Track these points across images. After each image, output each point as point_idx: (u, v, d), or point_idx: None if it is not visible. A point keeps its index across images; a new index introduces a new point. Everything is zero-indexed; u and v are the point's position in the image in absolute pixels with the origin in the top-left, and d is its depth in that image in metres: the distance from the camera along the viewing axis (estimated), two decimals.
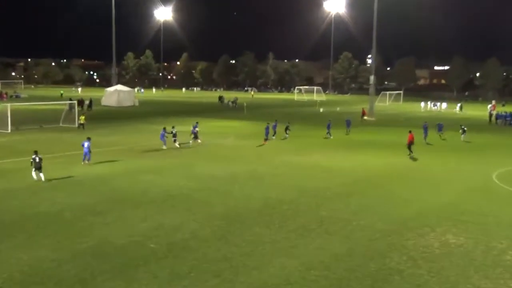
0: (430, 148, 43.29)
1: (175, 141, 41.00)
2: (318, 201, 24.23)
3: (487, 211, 23.09)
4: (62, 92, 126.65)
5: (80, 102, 78.16)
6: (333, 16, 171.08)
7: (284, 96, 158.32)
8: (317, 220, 21.11)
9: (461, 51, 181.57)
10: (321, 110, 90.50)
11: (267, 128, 45.52)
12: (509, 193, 27.10)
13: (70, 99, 79.75)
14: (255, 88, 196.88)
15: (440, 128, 51.15)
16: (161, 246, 17.74)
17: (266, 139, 44.82)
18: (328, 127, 50.21)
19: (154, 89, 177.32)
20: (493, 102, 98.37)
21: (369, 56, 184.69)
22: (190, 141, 43.30)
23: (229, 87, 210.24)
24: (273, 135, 47.21)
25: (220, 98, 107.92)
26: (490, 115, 73.95)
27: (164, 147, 39.83)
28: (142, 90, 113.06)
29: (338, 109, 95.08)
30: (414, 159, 37.64)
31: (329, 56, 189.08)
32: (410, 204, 24.12)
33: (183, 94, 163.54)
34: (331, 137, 49.00)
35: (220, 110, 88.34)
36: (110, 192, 25.43)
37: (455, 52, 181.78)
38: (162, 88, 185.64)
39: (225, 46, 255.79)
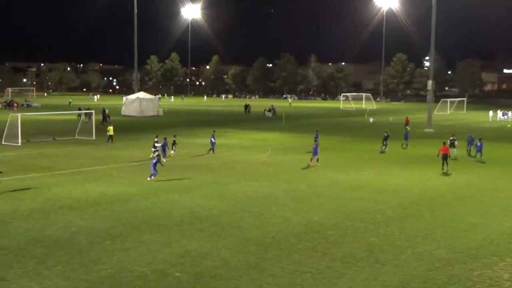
0: (498, 165, 42.53)
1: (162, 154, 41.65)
2: (367, 226, 24.04)
3: None
4: (70, 100, 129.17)
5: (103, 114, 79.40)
6: (385, 12, 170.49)
7: (328, 104, 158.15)
8: (366, 247, 20.94)
9: None
10: (371, 120, 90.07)
11: (315, 148, 41.80)
12: None
13: (79, 109, 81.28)
14: (295, 95, 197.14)
15: (470, 142, 48.47)
16: (187, 275, 17.82)
17: (312, 159, 41.35)
18: (386, 139, 50.20)
19: (172, 98, 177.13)
20: None
21: (427, 58, 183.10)
22: (172, 151, 44.07)
23: (265, 94, 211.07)
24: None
25: (246, 107, 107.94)
26: None
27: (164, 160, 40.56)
28: (159, 98, 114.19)
29: (390, 119, 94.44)
30: (447, 175, 37.60)
31: (380, 59, 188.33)
32: (476, 230, 23.72)
33: (204, 102, 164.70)
34: (386, 150, 49.00)
35: (253, 120, 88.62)
36: (129, 214, 25.71)
37: None
38: (182, 96, 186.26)
39: (261, 47, 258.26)
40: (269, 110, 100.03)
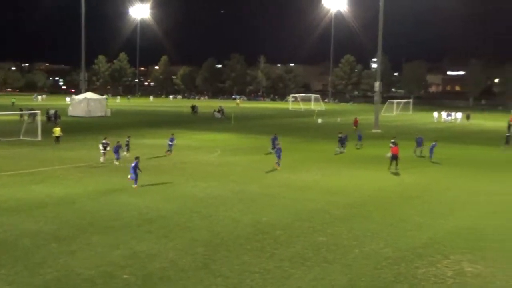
0: (446, 166, 43.42)
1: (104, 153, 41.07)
2: (315, 226, 24.24)
3: (506, 236, 23.19)
4: (13, 100, 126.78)
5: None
6: (333, 14, 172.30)
7: (277, 105, 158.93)
8: (314, 247, 21.11)
9: (478, 53, 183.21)
10: (320, 121, 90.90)
11: (278, 150, 40.89)
12: None
13: (21, 109, 79.91)
14: (244, 96, 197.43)
15: (420, 143, 49.17)
16: (135, 277, 17.66)
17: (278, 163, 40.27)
18: (343, 140, 50.74)
19: (118, 98, 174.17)
20: None
21: (374, 59, 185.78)
22: (125, 153, 43.36)
23: (215, 94, 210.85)
24: (272, 149, 46.99)
25: (193, 107, 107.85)
26: (509, 126, 74.46)
27: (116, 163, 40.00)
28: (105, 98, 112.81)
29: (339, 120, 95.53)
30: (397, 175, 38.38)
31: (328, 60, 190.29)
32: (422, 229, 24.18)
33: (150, 102, 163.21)
34: (344, 151, 49.82)
35: (202, 121, 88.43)
36: (76, 216, 25.31)
37: (472, 55, 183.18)
38: (129, 97, 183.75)
39: (210, 48, 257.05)
40: (218, 111, 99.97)
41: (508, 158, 48.70)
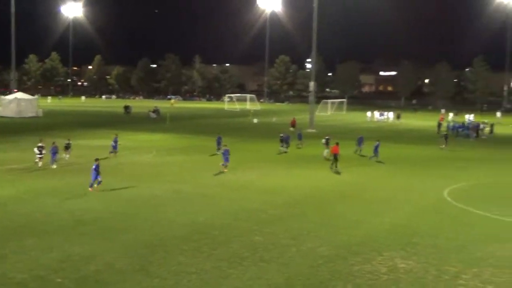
0: (380, 164, 44.25)
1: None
2: (252, 225, 24.33)
3: (438, 232, 23.84)
4: None
5: None
6: (268, 14, 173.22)
7: (213, 105, 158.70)
8: (252, 246, 21.19)
9: (409, 55, 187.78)
10: (255, 121, 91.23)
11: (225, 152, 39.29)
12: (462, 211, 28.13)
13: None
14: (180, 96, 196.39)
15: (360, 142, 50.03)
16: (69, 281, 17.33)
17: (225, 165, 38.96)
18: (286, 140, 50.86)
19: (49, 98, 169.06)
20: (442, 111, 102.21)
21: (309, 60, 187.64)
22: (64, 155, 42.20)
23: (150, 94, 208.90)
24: (218, 150, 46.67)
25: (126, 108, 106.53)
26: (439, 125, 76.62)
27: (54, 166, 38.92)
28: (36, 98, 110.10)
29: (274, 119, 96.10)
30: (338, 173, 39.00)
31: (263, 60, 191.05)
32: (357, 227, 24.59)
33: (82, 102, 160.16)
34: (287, 150, 49.98)
35: (137, 121, 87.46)
36: (8, 219, 24.65)
37: (403, 56, 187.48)
38: (60, 97, 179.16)
39: (145, 48, 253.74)
40: (154, 111, 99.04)
41: (442, 156, 50.07)
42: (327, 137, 47.04)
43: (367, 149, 48.06)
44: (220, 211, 26.86)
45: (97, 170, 30.74)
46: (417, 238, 22.81)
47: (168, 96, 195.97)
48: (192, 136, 64.25)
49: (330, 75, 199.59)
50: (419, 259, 20.06)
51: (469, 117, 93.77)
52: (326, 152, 45.60)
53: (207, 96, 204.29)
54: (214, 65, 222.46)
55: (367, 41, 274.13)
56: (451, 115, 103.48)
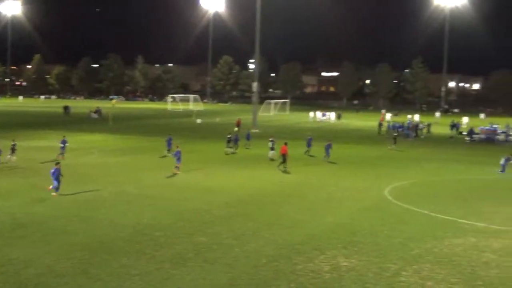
0: (328, 164, 44.66)
1: None
2: (196, 226, 24.24)
3: (379, 230, 24.26)
4: None
5: None
6: (211, 15, 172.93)
7: (156, 105, 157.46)
8: (195, 247, 21.11)
9: (351, 56, 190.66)
10: (199, 121, 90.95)
11: (177, 153, 38.90)
12: (401, 209, 28.71)
13: None
14: (122, 96, 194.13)
15: (309, 143, 50.23)
16: (9, 285, 16.92)
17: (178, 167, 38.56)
18: (235, 140, 50.74)
19: None
20: (383, 111, 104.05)
21: (252, 60, 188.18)
22: (9, 157, 40.96)
23: (92, 95, 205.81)
24: (168, 151, 46.07)
25: (66, 108, 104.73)
26: (380, 125, 77.97)
27: None
28: None
29: (218, 120, 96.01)
30: (287, 173, 39.36)
31: (207, 61, 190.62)
32: (300, 226, 24.77)
33: (20, 102, 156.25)
34: (235, 151, 49.89)
35: (78, 122, 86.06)
36: None
37: (345, 57, 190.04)
38: None
39: (86, 47, 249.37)
40: (95, 112, 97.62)
41: (385, 155, 50.95)
42: (271, 139, 47.07)
43: (317, 149, 48.50)
44: (163, 212, 26.66)
45: (55, 174, 29.71)
46: (358, 236, 23.15)
47: (110, 97, 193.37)
48: (135, 136, 63.62)
49: (273, 76, 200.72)
50: (361, 257, 20.36)
51: (415, 118, 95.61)
52: (271, 153, 45.79)
53: (150, 96, 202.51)
54: (157, 65, 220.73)
55: (309, 42, 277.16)
56: (388, 115, 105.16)
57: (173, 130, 70.16)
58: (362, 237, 23.00)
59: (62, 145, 43.75)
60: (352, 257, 20.34)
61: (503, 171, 41.45)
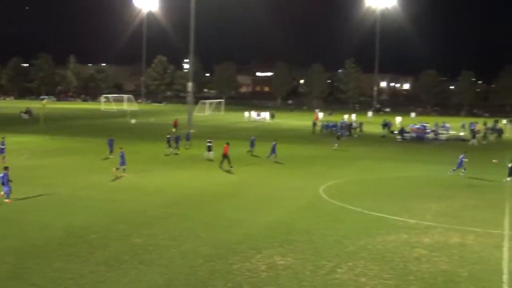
0: (260, 163, 44.84)
1: None
2: (131, 227, 23.96)
3: (314, 228, 24.54)
4: None
5: None
6: (145, 14, 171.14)
7: (89, 105, 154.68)
8: (130, 249, 20.86)
9: (285, 56, 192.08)
10: (133, 121, 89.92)
11: (121, 155, 37.40)
12: (335, 207, 29.16)
13: None
14: (54, 96, 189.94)
15: (252, 143, 50.29)
16: None
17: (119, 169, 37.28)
18: (176, 141, 49.98)
19: None
20: (316, 111, 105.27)
21: (186, 60, 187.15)
22: None
23: (22, 95, 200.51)
24: (110, 153, 45.10)
25: None
26: (314, 125, 78.86)
27: None
28: None
29: (152, 120, 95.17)
30: (230, 173, 39.51)
31: (141, 60, 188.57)
32: (236, 226, 24.81)
33: None
34: (177, 152, 48.97)
35: (6, 123, 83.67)
36: None
37: (279, 57, 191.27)
38: None
39: (16, 46, 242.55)
40: (26, 112, 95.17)
41: (321, 155, 51.53)
42: (209, 140, 46.68)
43: (260, 149, 48.66)
44: (97, 214, 26.24)
45: (4, 179, 28.39)
46: (294, 235, 23.35)
47: (42, 97, 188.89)
48: (67, 137, 62.30)
49: (208, 76, 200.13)
50: (297, 255, 20.54)
51: (352, 117, 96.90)
52: (209, 154, 45.59)
53: (83, 96, 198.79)
54: (90, 64, 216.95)
55: (244, 42, 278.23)
56: (321, 114, 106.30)
57: (108, 131, 69.06)
58: (298, 236, 23.21)
59: (1, 146, 42.23)
60: (288, 255, 20.50)
61: (456, 169, 40.72)
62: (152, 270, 18.62)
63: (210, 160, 44.81)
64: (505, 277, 18.97)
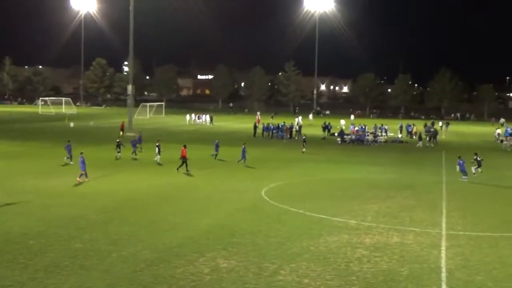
0: (202, 167, 44.53)
1: None
2: (71, 232, 23.50)
3: (257, 230, 24.59)
4: None
5: None
6: (83, 15, 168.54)
7: (26, 108, 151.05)
8: (70, 254, 20.46)
9: (225, 59, 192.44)
10: (72, 124, 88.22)
11: (81, 160, 36.35)
12: (277, 209, 29.27)
13: None
14: None
15: (216, 147, 49.81)
16: None
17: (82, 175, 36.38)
18: (134, 144, 48.85)
19: None
20: (258, 114, 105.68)
21: (126, 63, 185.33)
22: None
23: None
24: (68, 158, 43.74)
25: None
26: (255, 127, 78.93)
27: None
28: None
29: (92, 123, 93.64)
30: (190, 175, 39.48)
31: (79, 63, 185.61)
32: (178, 229, 24.64)
33: None
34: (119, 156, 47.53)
35: None
36: None
37: (219, 60, 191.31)
38: None
39: None
40: None
41: (260, 156, 51.55)
42: (158, 144, 45.83)
43: (202, 152, 48.44)
44: (35, 219, 25.63)
45: None
46: (237, 237, 23.34)
47: None
48: (4, 141, 60.58)
49: (148, 78, 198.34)
50: (240, 258, 20.53)
51: (299, 120, 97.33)
52: (157, 157, 45.04)
53: (19, 99, 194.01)
54: (26, 67, 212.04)
55: (184, 44, 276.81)
56: (258, 113, 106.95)
57: (45, 135, 67.83)
58: (241, 238, 23.21)
59: None
60: (232, 258, 20.47)
61: (465, 174, 40.45)
62: (93, 276, 18.30)
63: (159, 164, 44.30)
64: (443, 275, 19.42)
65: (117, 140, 49.18)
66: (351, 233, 24.69)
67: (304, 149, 56.42)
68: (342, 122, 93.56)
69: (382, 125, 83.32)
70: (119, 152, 47.68)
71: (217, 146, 49.59)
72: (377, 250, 22.07)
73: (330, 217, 27.56)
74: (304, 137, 60.48)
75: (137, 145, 50.19)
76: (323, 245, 22.62)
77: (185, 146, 41.92)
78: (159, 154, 45.24)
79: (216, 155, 49.17)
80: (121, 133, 67.08)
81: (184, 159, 40.95)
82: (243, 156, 46.21)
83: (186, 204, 30.07)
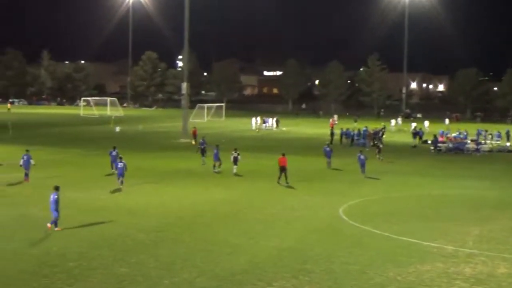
0: (259, 179, 44.68)
1: None
2: (116, 254, 23.91)
3: (334, 256, 24.43)
4: None
5: None
6: (131, 2, 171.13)
7: (66, 110, 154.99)
8: (116, 279, 20.82)
9: (296, 52, 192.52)
10: (118, 129, 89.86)
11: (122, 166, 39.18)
12: (358, 230, 29.04)
13: None
14: (24, 99, 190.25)
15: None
16: None
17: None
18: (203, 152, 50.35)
19: None
20: (335, 117, 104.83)
21: (180, 57, 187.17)
22: None
23: None
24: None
25: None
26: (332, 134, 78.13)
27: None
28: None
29: (140, 127, 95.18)
30: (291, 187, 39.87)
31: (126, 57, 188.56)
32: (240, 252, 24.74)
33: None
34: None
35: None
36: None
37: (289, 54, 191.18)
38: None
39: None
40: None
41: (337, 168, 51.31)
42: (234, 153, 45.93)
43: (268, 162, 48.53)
44: (75, 239, 26.19)
45: None
46: (310, 263, 23.24)
47: (10, 100, 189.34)
48: (42, 147, 62.15)
49: (205, 75, 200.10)
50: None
51: (397, 123, 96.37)
52: (234, 168, 45.51)
53: (58, 99, 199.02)
54: (67, 62, 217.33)
55: (248, 36, 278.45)
56: (335, 116, 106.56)
57: (87, 140, 69.32)
58: (314, 265, 23.11)
59: None
60: None
61: None
62: None
63: (237, 175, 44.78)
64: None
65: (202, 147, 51.28)
66: (447, 261, 24.25)
67: (380, 157, 56.90)
68: (426, 124, 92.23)
69: (486, 130, 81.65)
70: (202, 158, 50.09)
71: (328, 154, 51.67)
72: (479, 283, 21.60)
73: (421, 241, 27.15)
74: (376, 143, 60.58)
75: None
76: (413, 275, 22.28)
77: (283, 155, 42.16)
78: (236, 164, 45.65)
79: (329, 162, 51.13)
80: (193, 142, 67.30)
81: (283, 169, 41.17)
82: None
83: (249, 223, 30.15)
